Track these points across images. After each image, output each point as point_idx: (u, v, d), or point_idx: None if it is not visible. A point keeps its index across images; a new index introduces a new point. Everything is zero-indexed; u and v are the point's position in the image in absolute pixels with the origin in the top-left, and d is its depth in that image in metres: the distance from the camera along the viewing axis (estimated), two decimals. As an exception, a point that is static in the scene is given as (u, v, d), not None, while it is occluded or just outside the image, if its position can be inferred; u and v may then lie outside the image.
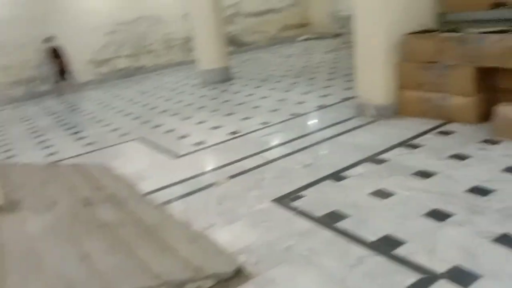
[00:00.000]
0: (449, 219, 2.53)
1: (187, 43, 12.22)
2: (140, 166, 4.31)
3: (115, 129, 6.06)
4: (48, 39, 9.71)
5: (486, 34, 3.80)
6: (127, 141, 5.36)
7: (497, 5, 4.23)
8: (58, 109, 8.59)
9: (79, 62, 10.77)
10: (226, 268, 2.35)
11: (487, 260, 2.14)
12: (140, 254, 2.52)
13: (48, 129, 6.72)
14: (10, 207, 3.30)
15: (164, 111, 6.75)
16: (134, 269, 2.34)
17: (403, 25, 4.47)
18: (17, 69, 10.20)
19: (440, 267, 2.12)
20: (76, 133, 6.20)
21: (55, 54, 9.87)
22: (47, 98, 10.20)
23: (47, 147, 5.64)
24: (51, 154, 5.26)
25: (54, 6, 10.31)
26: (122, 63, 11.47)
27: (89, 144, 5.49)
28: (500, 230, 2.36)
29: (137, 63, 11.68)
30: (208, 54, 8.43)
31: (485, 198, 2.72)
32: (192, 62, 11.98)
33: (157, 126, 5.88)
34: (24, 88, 10.38)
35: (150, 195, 3.56)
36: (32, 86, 10.46)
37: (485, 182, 2.91)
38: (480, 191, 2.81)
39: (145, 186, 3.75)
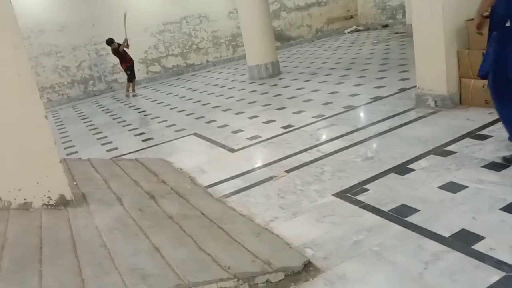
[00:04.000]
0: (530, 214, 2.39)
1: (233, 40, 12.32)
2: (198, 160, 4.38)
3: (170, 125, 6.19)
4: (109, 41, 9.34)
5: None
6: (183, 136, 5.46)
7: None
8: (114, 107, 8.89)
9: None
10: (295, 262, 2.33)
11: None
12: (207, 246, 2.54)
13: (106, 126, 6.97)
14: (78, 201, 3.42)
15: (216, 106, 6.82)
16: (204, 262, 2.37)
17: (464, 10, 4.26)
18: (73, 70, 10.67)
19: (526, 265, 2.00)
20: (133, 129, 6.39)
21: (121, 53, 9.46)
22: (102, 96, 10.60)
23: (107, 143, 5.84)
24: (111, 149, 5.44)
25: (103, 10, 10.65)
26: (171, 62, 11.72)
27: (147, 139, 5.64)
28: None
29: (186, 61, 11.90)
30: (256, 49, 8.44)
31: None
32: (239, 58, 12.09)
33: (211, 121, 5.95)
34: (80, 87, 10.84)
35: (210, 188, 3.60)
36: (88, 85, 10.91)
37: None
38: (562, 184, 2.64)
39: (205, 179, 3.80)
